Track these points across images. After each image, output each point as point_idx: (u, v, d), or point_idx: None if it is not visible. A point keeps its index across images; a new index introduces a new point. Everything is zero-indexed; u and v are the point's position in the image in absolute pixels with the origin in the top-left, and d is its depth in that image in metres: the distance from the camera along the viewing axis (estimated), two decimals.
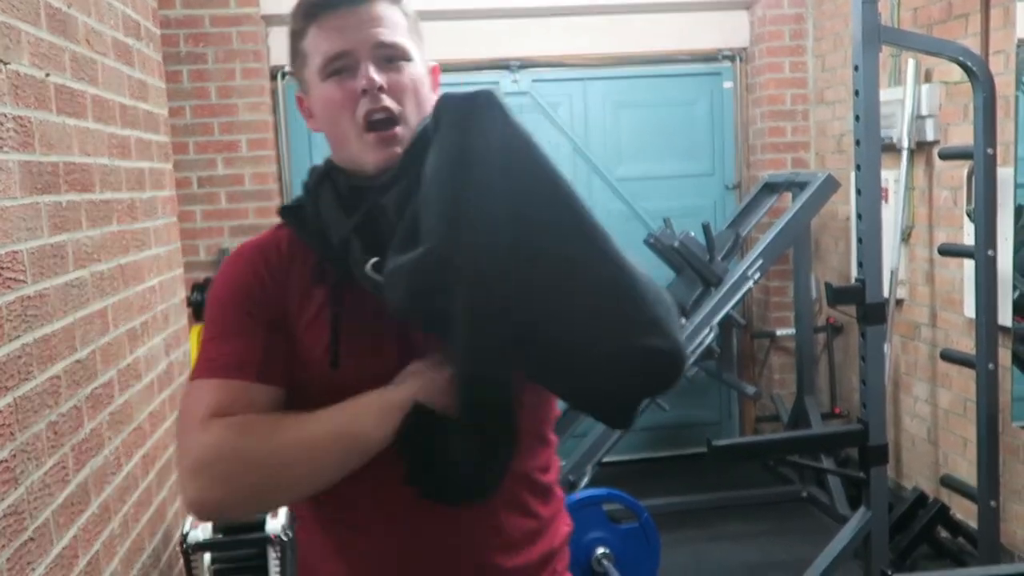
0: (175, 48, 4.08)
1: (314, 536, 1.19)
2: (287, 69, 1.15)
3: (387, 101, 1.13)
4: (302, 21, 1.16)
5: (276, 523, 2.48)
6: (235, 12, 4.18)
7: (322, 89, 1.15)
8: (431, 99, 1.17)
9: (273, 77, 4.36)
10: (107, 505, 2.18)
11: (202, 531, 2.43)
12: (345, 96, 1.13)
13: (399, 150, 1.13)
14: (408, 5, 1.18)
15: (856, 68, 2.60)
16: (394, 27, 1.15)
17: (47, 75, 1.98)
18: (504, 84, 4.50)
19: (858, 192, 2.63)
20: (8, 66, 1.79)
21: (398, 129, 1.13)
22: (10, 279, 1.74)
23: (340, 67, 1.13)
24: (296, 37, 1.18)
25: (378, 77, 1.12)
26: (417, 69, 1.17)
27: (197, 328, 3.96)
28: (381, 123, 1.13)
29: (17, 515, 1.71)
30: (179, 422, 1.09)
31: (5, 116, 1.76)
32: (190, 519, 2.48)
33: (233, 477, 1.02)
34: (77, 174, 2.12)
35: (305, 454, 1.04)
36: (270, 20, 4.28)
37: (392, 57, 1.14)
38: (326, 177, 1.20)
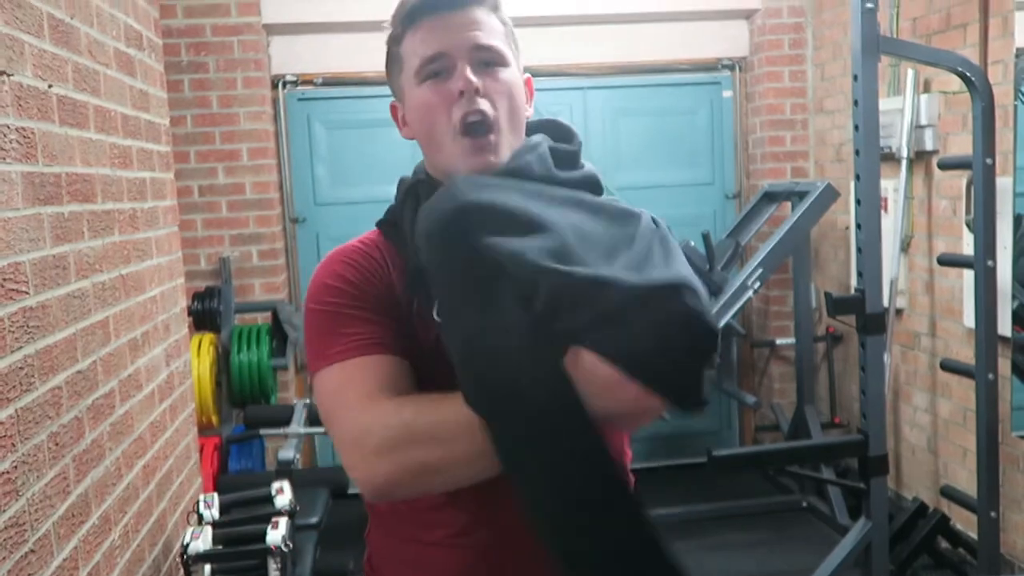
0: (176, 57, 4.10)
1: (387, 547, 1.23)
2: (389, 79, 1.25)
3: (483, 104, 1.12)
4: (400, 26, 1.17)
5: (276, 534, 2.47)
6: (236, 21, 4.19)
7: (418, 92, 1.15)
8: (526, 109, 1.19)
9: (274, 86, 4.38)
10: (107, 516, 2.18)
11: (203, 542, 2.43)
12: (441, 98, 1.12)
13: (493, 159, 1.12)
14: (505, 14, 1.18)
15: (855, 78, 2.60)
16: (491, 32, 1.15)
17: (50, 86, 1.98)
18: None
19: (857, 202, 2.64)
20: (11, 77, 1.79)
21: (492, 136, 1.12)
22: (12, 290, 1.74)
23: (437, 69, 1.13)
24: (393, 42, 1.19)
25: (475, 79, 1.11)
26: (514, 75, 1.16)
27: (198, 337, 3.97)
28: (476, 127, 1.11)
29: (18, 527, 1.71)
30: (333, 404, 1.07)
31: (8, 127, 1.77)
32: (190, 530, 2.48)
33: (421, 457, 1.01)
34: (79, 184, 2.13)
35: (469, 436, 0.98)
36: (271, 29, 4.29)
37: (489, 61, 1.14)
38: (411, 194, 1.19)
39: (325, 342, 1.10)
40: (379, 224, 1.23)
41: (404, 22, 1.17)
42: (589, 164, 1.21)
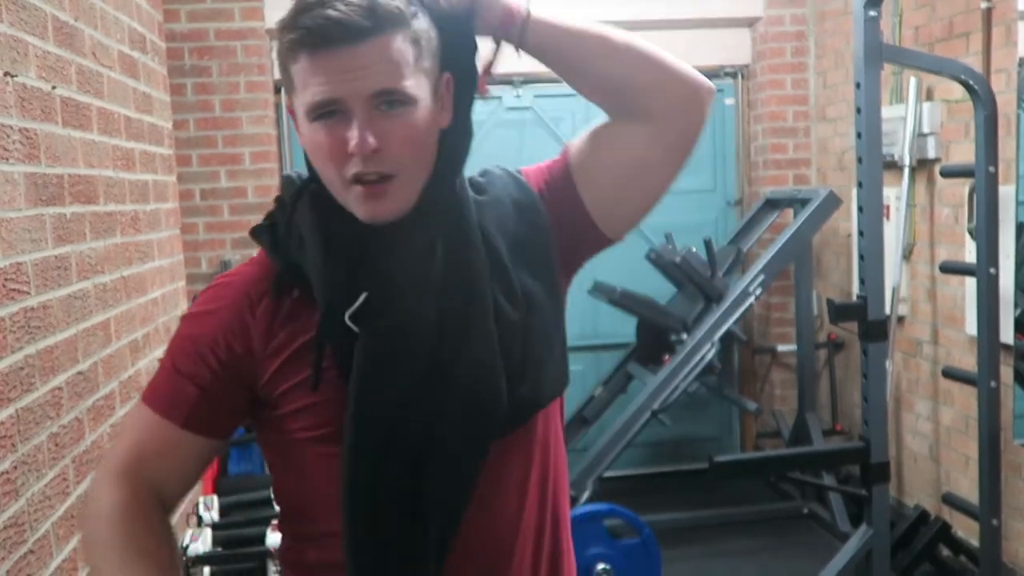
0: (180, 61, 4.10)
1: None
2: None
3: (380, 166, 1.00)
4: (292, 45, 0.99)
5: (276, 537, 2.47)
6: (240, 26, 4.20)
7: (310, 129, 1.01)
8: (433, 141, 1.06)
9: (277, 91, 4.38)
10: None
11: (202, 544, 2.43)
12: (333, 146, 1.00)
13: (394, 206, 1.03)
14: (420, 21, 1.03)
15: (858, 86, 2.61)
16: (397, 66, 0.99)
17: (53, 87, 1.99)
18: (507, 99, 4.52)
19: (860, 209, 2.64)
20: (15, 79, 1.80)
21: (390, 186, 1.01)
22: (14, 290, 1.74)
23: (331, 111, 0.99)
24: (285, 55, 1.02)
25: (371, 139, 0.98)
26: (420, 113, 1.02)
27: None
28: (371, 181, 1.01)
29: (17, 527, 1.71)
30: (119, 433, 1.14)
31: (11, 128, 1.77)
32: (190, 532, 2.48)
33: (89, 550, 1.09)
34: (81, 186, 2.13)
35: None
36: (274, 34, 4.30)
37: (393, 102, 1.00)
38: (306, 206, 1.08)
39: (157, 371, 1.12)
40: (254, 233, 1.13)
41: (297, 43, 0.99)
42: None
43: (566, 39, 1.12)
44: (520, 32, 1.11)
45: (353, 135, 0.98)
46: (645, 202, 1.20)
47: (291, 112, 1.08)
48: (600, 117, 1.18)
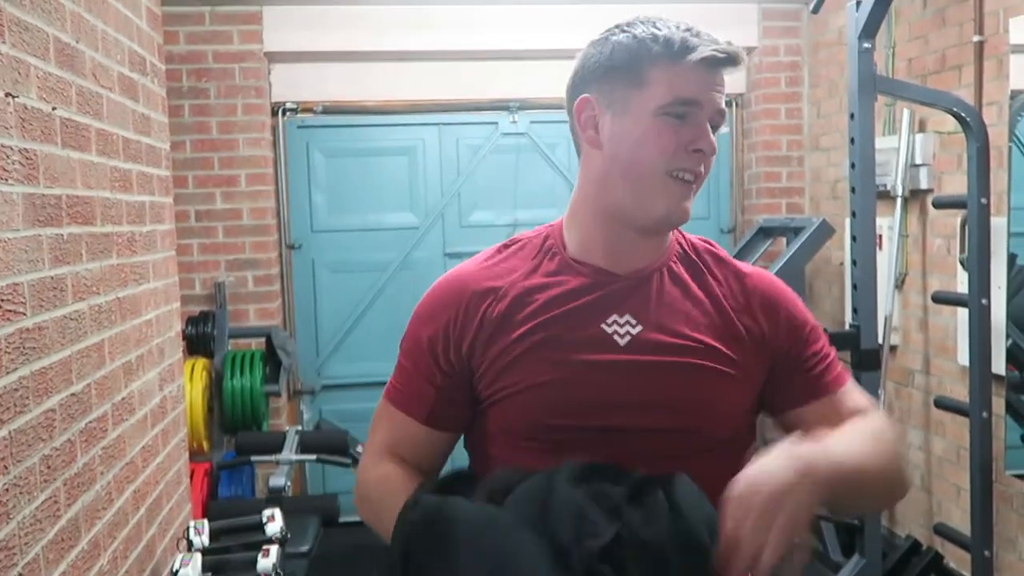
0: (177, 83, 4.12)
1: None
2: (588, 80, 1.22)
3: (699, 166, 1.16)
4: (669, 51, 1.13)
5: (267, 562, 2.45)
6: (238, 49, 4.23)
7: (652, 122, 1.14)
8: None
9: (274, 113, 4.40)
10: (97, 541, 2.16)
11: (192, 569, 2.40)
12: (675, 141, 1.13)
13: (689, 209, 1.18)
14: None
15: (852, 116, 2.63)
16: (723, 95, 1.18)
17: (54, 108, 1.99)
18: (503, 124, 4.54)
19: (853, 238, 2.65)
20: (16, 99, 1.80)
21: (692, 188, 1.17)
22: (10, 311, 1.74)
23: (684, 112, 1.13)
24: (648, 57, 1.14)
25: (714, 143, 1.16)
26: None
27: (191, 362, 3.95)
28: (685, 179, 1.15)
29: (7, 550, 1.69)
30: (369, 430, 1.28)
31: (11, 149, 1.77)
32: (180, 557, 2.46)
33: (366, 518, 1.23)
34: (79, 207, 2.13)
35: None
36: (272, 57, 4.32)
37: (716, 126, 1.17)
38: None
39: (396, 368, 1.26)
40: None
41: (676, 51, 1.13)
42: None
43: (852, 495, 1.09)
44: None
45: (705, 133, 1.14)
46: None
47: (582, 109, 1.20)
48: None
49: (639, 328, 1.17)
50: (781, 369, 1.21)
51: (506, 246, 1.26)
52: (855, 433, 1.14)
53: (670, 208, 1.16)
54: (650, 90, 1.14)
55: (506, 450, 1.18)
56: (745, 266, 1.28)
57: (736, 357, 1.18)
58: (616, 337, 1.16)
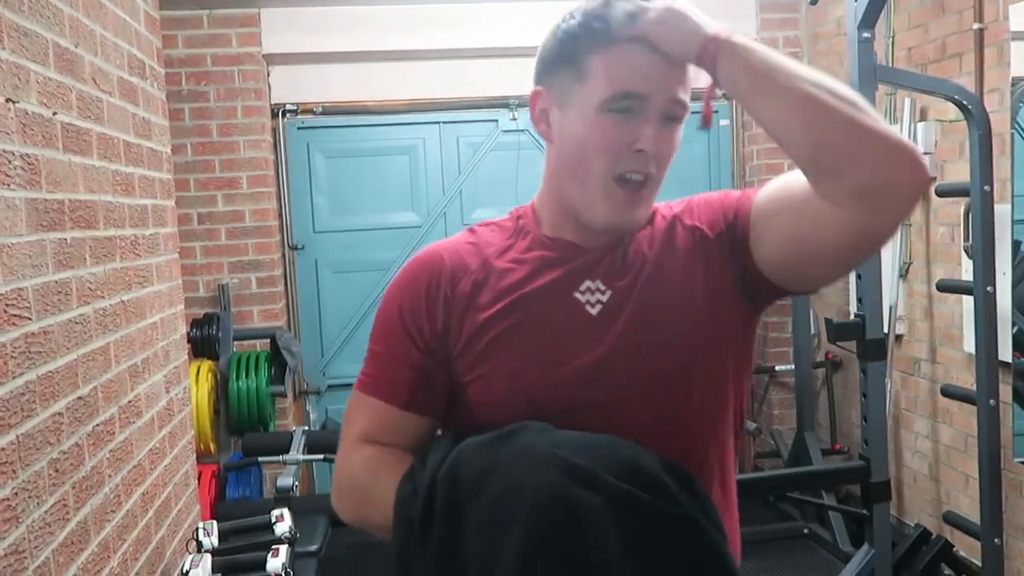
0: (177, 86, 4.13)
1: None
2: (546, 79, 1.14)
3: (651, 167, 1.09)
4: (607, 32, 1.06)
5: (276, 562, 2.46)
6: (237, 51, 4.23)
7: (593, 119, 1.08)
8: None
9: (274, 115, 4.40)
10: (106, 543, 2.17)
11: (202, 570, 2.41)
12: (619, 141, 1.07)
13: (641, 214, 1.12)
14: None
15: None
16: (687, 84, 1.09)
17: (54, 113, 1.99)
18: (503, 122, 4.54)
19: None
20: (17, 105, 1.80)
21: (644, 190, 1.11)
22: (15, 316, 1.74)
23: (626, 107, 1.06)
24: (589, 42, 1.08)
25: (660, 142, 1.07)
26: (679, 135, 1.12)
27: (196, 364, 3.96)
28: (634, 184, 1.09)
29: (18, 554, 1.70)
30: (342, 428, 1.21)
31: (13, 154, 1.77)
32: (189, 558, 2.46)
33: (354, 510, 1.17)
34: (82, 211, 2.13)
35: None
36: (271, 59, 4.32)
37: (674, 117, 1.09)
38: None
39: (366, 359, 1.20)
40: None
41: (612, 32, 1.06)
42: None
43: (750, 83, 1.04)
44: (712, 67, 1.05)
45: (648, 133, 1.06)
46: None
47: (535, 101, 1.15)
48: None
49: (609, 294, 1.13)
50: (742, 249, 1.13)
51: (482, 226, 1.24)
52: None
53: (613, 215, 1.11)
54: (591, 83, 1.08)
55: (489, 422, 1.11)
56: (677, 205, 1.21)
57: (715, 312, 1.13)
58: (588, 307, 1.13)
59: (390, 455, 1.14)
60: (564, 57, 1.10)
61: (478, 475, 0.99)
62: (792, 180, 1.09)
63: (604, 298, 1.13)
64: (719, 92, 1.08)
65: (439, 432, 1.20)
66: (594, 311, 1.13)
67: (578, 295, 1.13)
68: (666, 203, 1.20)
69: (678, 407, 1.12)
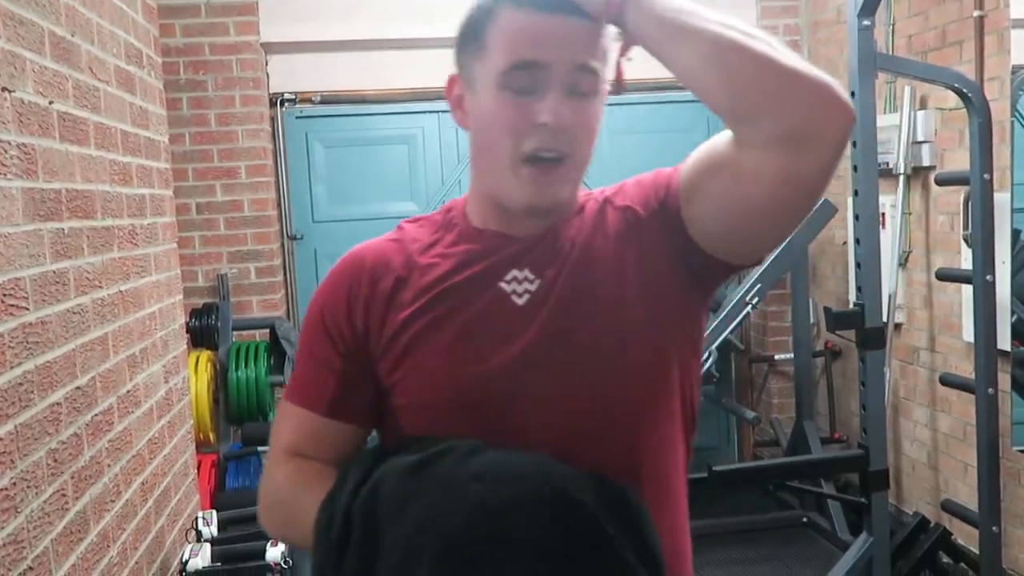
0: (175, 76, 4.11)
1: None
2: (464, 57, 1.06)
3: (562, 143, 1.02)
4: (496, 2, 1.01)
5: (276, 551, 2.46)
6: (235, 40, 4.21)
7: (493, 98, 1.02)
8: (594, 140, 1.07)
9: (272, 104, 4.39)
10: (106, 533, 2.17)
11: (201, 559, 2.42)
12: (519, 119, 1.01)
13: (560, 193, 1.05)
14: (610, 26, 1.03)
15: (852, 94, 2.62)
16: (599, 51, 1.02)
17: (51, 103, 1.99)
18: None
19: (856, 217, 2.65)
20: (13, 94, 1.80)
21: (561, 168, 1.03)
22: (12, 306, 1.74)
23: (528, 80, 1.00)
24: (481, 17, 1.03)
25: (566, 115, 1.00)
26: (597, 107, 1.05)
27: (195, 354, 3.96)
28: (545, 160, 1.02)
29: (16, 544, 1.70)
30: (270, 437, 1.17)
31: (9, 143, 1.77)
32: (189, 547, 2.47)
33: (278, 527, 1.16)
34: (79, 201, 2.13)
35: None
36: (269, 48, 4.31)
37: (583, 88, 1.02)
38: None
39: (295, 366, 1.17)
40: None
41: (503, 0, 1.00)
42: None
43: (660, 30, 0.98)
44: (618, 15, 0.99)
45: (548, 107, 0.99)
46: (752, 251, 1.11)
47: (452, 86, 1.10)
48: None
49: (537, 283, 1.08)
50: (677, 223, 1.07)
51: (410, 223, 1.19)
52: None
53: (529, 197, 1.04)
54: (489, 57, 1.01)
55: (418, 425, 1.08)
56: (609, 189, 1.15)
57: (651, 295, 1.08)
58: (515, 297, 1.08)
59: (312, 472, 1.10)
60: (468, 35, 1.05)
61: (396, 505, 0.96)
62: (715, 140, 1.05)
63: (532, 287, 1.08)
64: (632, 52, 1.02)
65: (369, 441, 1.17)
66: (521, 301, 1.07)
67: (503, 285, 1.08)
68: (600, 188, 1.15)
69: (611, 397, 1.07)
